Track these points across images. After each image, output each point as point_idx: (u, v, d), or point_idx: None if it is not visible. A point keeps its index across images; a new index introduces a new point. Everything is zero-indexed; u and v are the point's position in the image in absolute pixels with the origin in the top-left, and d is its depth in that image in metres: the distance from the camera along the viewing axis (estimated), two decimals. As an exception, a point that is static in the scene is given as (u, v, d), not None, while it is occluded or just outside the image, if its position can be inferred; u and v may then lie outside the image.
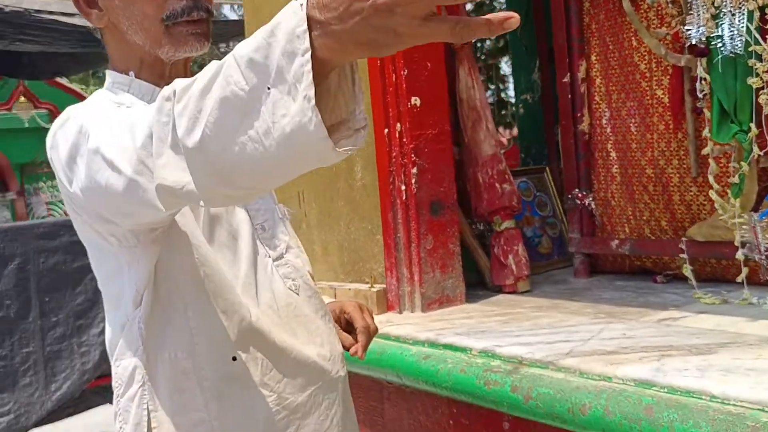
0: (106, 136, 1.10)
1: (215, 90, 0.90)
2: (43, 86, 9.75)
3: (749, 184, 1.94)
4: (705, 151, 1.98)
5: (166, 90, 0.98)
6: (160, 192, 1.00)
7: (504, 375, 1.62)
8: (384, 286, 2.22)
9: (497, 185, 2.34)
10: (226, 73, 0.89)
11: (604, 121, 2.40)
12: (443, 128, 2.18)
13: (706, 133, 1.98)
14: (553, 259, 2.70)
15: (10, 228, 4.57)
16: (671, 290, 2.15)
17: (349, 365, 1.52)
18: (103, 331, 4.47)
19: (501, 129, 9.03)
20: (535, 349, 1.67)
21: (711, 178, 1.95)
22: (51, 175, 10.91)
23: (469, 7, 3.11)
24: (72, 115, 1.23)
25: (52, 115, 10.04)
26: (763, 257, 1.90)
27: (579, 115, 2.43)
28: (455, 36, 0.77)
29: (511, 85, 8.71)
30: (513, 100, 7.66)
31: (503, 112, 9.21)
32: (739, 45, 1.84)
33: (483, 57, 8.55)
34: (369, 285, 2.25)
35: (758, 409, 1.24)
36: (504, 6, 4.22)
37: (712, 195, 1.95)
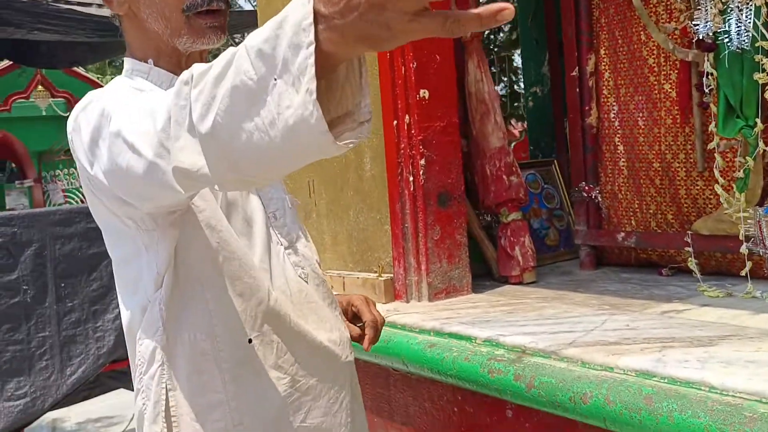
0: (127, 119, 1.13)
1: (227, 78, 0.93)
2: (60, 75, 9.83)
3: (754, 178, 1.96)
4: (711, 145, 1.99)
5: (185, 74, 1.01)
6: (176, 174, 1.03)
7: (507, 364, 1.65)
8: (391, 275, 2.25)
9: (504, 177, 2.36)
10: (238, 62, 0.92)
11: (612, 115, 2.42)
12: (451, 120, 2.21)
13: (712, 127, 1.99)
14: (559, 251, 2.73)
15: (27, 214, 4.64)
16: (676, 283, 2.17)
17: (356, 352, 1.56)
18: (118, 317, 4.53)
19: (513, 121, 9.00)
20: (539, 339, 1.69)
21: (716, 173, 1.97)
22: (68, 163, 11.01)
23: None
24: (94, 99, 1.27)
25: (69, 104, 10.13)
26: (767, 252, 1.92)
27: (587, 108, 2.45)
28: (446, 31, 0.79)
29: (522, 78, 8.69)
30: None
31: (516, 104, 9.19)
32: (746, 40, 1.85)
33: (496, 49, 8.52)
34: (377, 274, 2.28)
35: (756, 400, 1.26)
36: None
37: (718, 189, 1.96)
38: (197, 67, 1.00)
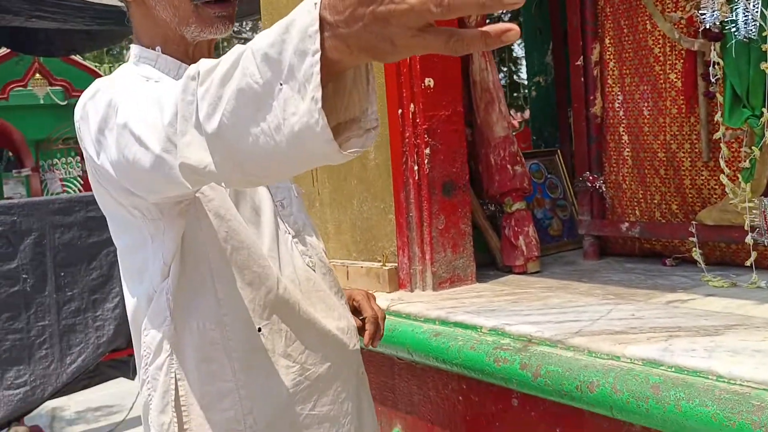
0: (134, 110, 1.12)
1: (234, 80, 0.92)
2: (58, 63, 9.78)
3: (760, 168, 1.96)
4: (717, 135, 1.99)
5: (192, 69, 1.01)
6: (183, 170, 1.03)
7: (513, 353, 1.65)
8: (396, 264, 2.25)
9: (509, 167, 2.36)
10: (244, 64, 0.91)
11: (616, 105, 2.42)
12: (456, 109, 2.20)
13: (718, 117, 1.99)
14: (562, 241, 2.73)
15: (26, 203, 4.63)
16: (680, 273, 2.17)
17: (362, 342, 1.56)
18: (117, 306, 4.50)
19: (512, 111, 9.00)
20: (545, 328, 1.70)
21: (722, 163, 1.97)
22: (65, 152, 10.98)
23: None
24: (102, 88, 1.26)
25: (67, 92, 10.09)
26: (773, 241, 1.92)
27: (591, 98, 2.45)
28: (449, 49, 0.78)
29: (523, 68, 8.67)
30: (526, 83, 7.65)
31: (515, 94, 9.17)
32: (753, 30, 1.84)
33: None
34: (381, 263, 2.28)
35: (763, 389, 1.26)
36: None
37: (723, 179, 1.96)
38: (204, 63, 0.99)
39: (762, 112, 1.84)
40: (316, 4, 0.83)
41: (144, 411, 1.43)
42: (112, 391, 5.47)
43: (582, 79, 2.45)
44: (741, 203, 1.94)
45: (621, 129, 2.40)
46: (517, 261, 2.35)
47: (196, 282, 1.34)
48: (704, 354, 1.42)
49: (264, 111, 0.90)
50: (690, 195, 2.24)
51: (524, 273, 2.35)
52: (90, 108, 1.25)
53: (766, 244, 1.93)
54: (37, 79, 9.91)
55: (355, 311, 1.62)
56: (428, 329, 1.90)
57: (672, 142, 2.26)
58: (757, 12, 1.84)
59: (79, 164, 11.06)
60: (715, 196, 2.18)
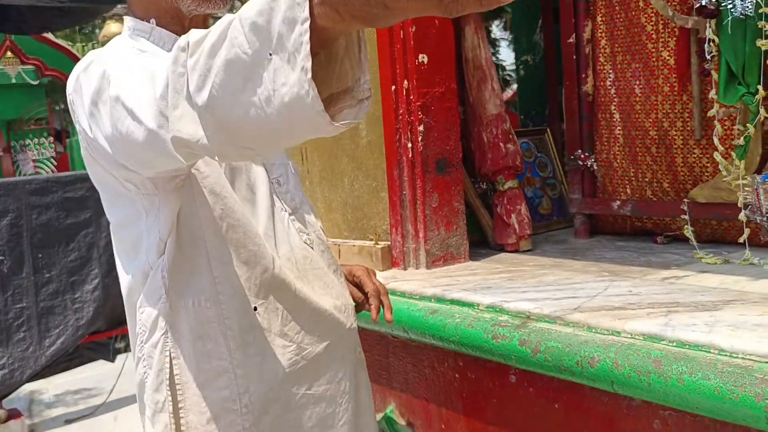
0: (127, 83, 1.10)
1: (222, 51, 0.90)
2: (30, 42, 9.58)
3: (753, 146, 1.96)
4: (711, 113, 1.99)
5: (182, 40, 0.98)
6: (176, 143, 1.01)
7: (512, 329, 1.65)
8: (388, 243, 2.24)
9: (501, 145, 2.35)
10: (232, 34, 0.89)
11: (608, 83, 2.41)
12: (450, 86, 2.18)
13: (711, 95, 1.99)
14: (552, 220, 2.73)
15: (1, 183, 4.55)
16: (672, 251, 2.18)
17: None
18: (97, 288, 4.46)
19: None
20: (543, 305, 1.69)
21: (716, 140, 1.97)
22: (38, 133, 10.79)
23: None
24: (95, 60, 1.23)
25: (40, 71, 9.89)
26: (764, 219, 1.93)
27: (583, 76, 2.44)
28: (444, 10, 0.77)
29: (502, 48, 8.67)
30: (504, 63, 7.64)
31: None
32: (750, 6, 1.84)
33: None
34: (373, 242, 2.26)
35: (766, 362, 1.28)
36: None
37: (717, 157, 1.97)
38: (194, 34, 0.97)
39: (757, 90, 1.85)
40: None
41: (139, 389, 1.41)
42: (91, 374, 5.42)
43: (574, 56, 2.44)
44: (734, 180, 1.95)
45: (612, 107, 2.40)
46: (510, 239, 2.34)
47: (191, 260, 1.32)
48: (705, 329, 1.43)
49: (254, 82, 0.88)
50: (682, 173, 2.24)
51: (516, 251, 2.35)
52: (83, 80, 1.22)
53: (758, 221, 1.94)
54: (9, 57, 9.71)
55: (357, 287, 1.61)
56: (424, 307, 1.89)
57: (664, 120, 2.26)
58: (753, -11, 1.84)
59: (52, 145, 10.89)
60: (706, 174, 2.19)
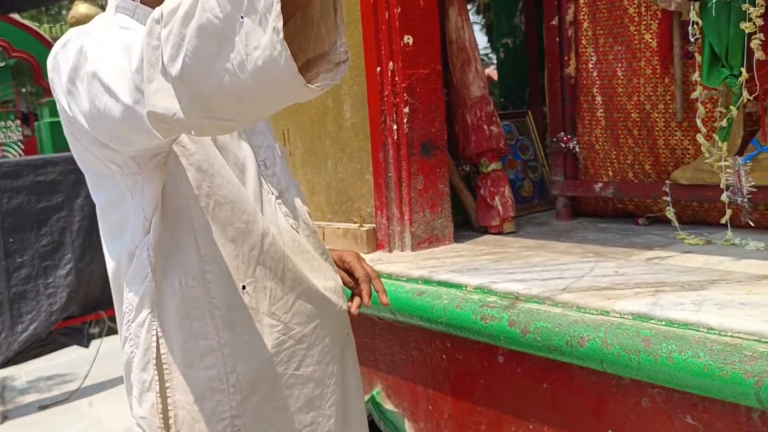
0: (104, 58, 1.08)
1: (195, 17, 0.89)
2: (-5, 22, 9.38)
3: (735, 128, 1.99)
4: (694, 95, 2.01)
5: (156, 11, 0.96)
6: (152, 118, 0.99)
7: (501, 310, 1.66)
8: (373, 225, 2.23)
9: (485, 127, 2.35)
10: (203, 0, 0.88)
11: (590, 65, 2.42)
12: (435, 68, 2.17)
13: (694, 77, 2.01)
14: (534, 202, 2.75)
15: (-30, 168, 4.46)
16: (654, 232, 2.21)
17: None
18: (70, 273, 4.39)
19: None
20: (531, 286, 1.70)
21: (699, 122, 1.99)
22: (4, 116, 10.57)
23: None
24: (73, 37, 1.21)
25: (6, 53, 9.68)
26: (745, 200, 1.96)
27: (566, 58, 2.45)
28: None
29: (476, 33, 8.66)
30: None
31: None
32: (734, -11, 1.86)
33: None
34: (358, 224, 2.26)
35: (755, 340, 1.30)
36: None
37: (699, 138, 1.99)
38: (168, 4, 0.95)
39: (740, 72, 1.87)
40: None
41: (126, 369, 1.39)
42: (65, 360, 5.36)
43: (557, 39, 2.45)
44: (716, 162, 1.97)
45: (595, 90, 2.41)
46: (493, 221, 2.35)
47: (178, 238, 1.31)
48: (693, 307, 1.44)
49: (227, 48, 0.87)
50: (663, 155, 2.27)
51: (500, 233, 2.36)
52: (61, 57, 1.19)
53: (738, 202, 1.97)
54: (-26, 39, 9.49)
55: (347, 272, 1.60)
56: (411, 289, 1.89)
57: (646, 102, 2.28)
58: (737, -29, 1.85)
59: (19, 128, 10.68)
60: (688, 156, 2.21)
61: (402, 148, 2.13)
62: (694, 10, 1.96)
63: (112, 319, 4.90)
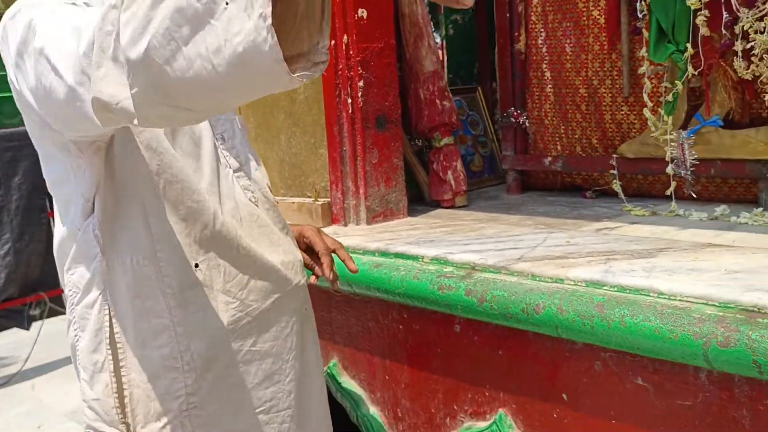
0: (52, 35, 1.05)
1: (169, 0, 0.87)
2: None
3: (680, 103, 2.06)
4: (641, 70, 2.07)
5: None
6: (95, 105, 0.97)
7: (458, 280, 1.69)
8: (328, 199, 2.24)
9: (438, 101, 2.37)
10: None
11: (540, 41, 2.46)
12: (389, 42, 2.18)
13: (642, 52, 2.06)
14: (483, 177, 2.79)
15: None
16: (601, 204, 2.28)
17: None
18: (8, 254, 4.27)
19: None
20: (486, 256, 1.74)
21: (645, 97, 2.05)
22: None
23: None
24: (23, 8, 1.17)
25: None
26: (689, 172, 2.03)
27: (516, 34, 2.48)
28: None
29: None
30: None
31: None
32: (680, -34, 1.91)
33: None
34: (313, 199, 2.26)
35: (703, 303, 1.35)
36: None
37: (646, 113, 2.05)
38: None
39: (686, 48, 1.93)
40: None
41: (72, 353, 1.38)
42: (5, 342, 5.22)
43: (507, 15, 2.48)
44: (662, 136, 2.04)
45: (544, 65, 2.46)
46: (446, 195, 2.38)
47: (128, 217, 1.29)
48: (643, 274, 1.50)
49: (203, 32, 0.85)
50: (610, 129, 2.33)
51: (452, 207, 2.40)
52: (9, 29, 1.16)
53: (683, 174, 2.04)
54: None
55: (308, 248, 1.61)
56: (368, 261, 1.91)
57: (594, 78, 2.34)
58: (683, -51, 1.91)
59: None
60: (634, 130, 2.28)
61: (356, 122, 2.14)
62: (641, -14, 2.01)
63: (54, 300, 4.80)
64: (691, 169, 2.02)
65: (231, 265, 1.37)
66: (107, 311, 1.31)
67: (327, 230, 2.16)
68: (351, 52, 2.11)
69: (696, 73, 1.93)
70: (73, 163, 1.24)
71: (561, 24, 2.40)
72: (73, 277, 1.32)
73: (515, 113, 2.49)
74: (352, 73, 2.12)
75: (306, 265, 1.58)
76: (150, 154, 1.27)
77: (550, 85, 2.45)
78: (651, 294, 1.43)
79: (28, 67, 1.09)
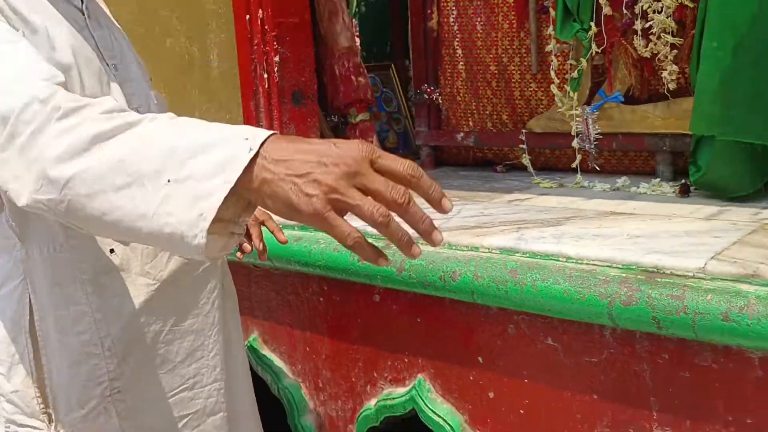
0: None
1: (119, 143, 0.88)
2: None
3: (584, 79, 2.16)
4: (548, 48, 2.16)
5: (44, 91, 0.95)
6: None
7: (377, 251, 1.73)
8: (245, 175, 2.23)
9: (353, 78, 2.40)
10: (143, 135, 0.88)
11: (451, 19, 2.52)
12: (304, 17, 2.19)
13: (549, 31, 2.15)
14: (398, 153, 2.81)
15: None
16: (511, 178, 2.36)
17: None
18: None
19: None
20: (405, 227, 1.78)
21: (552, 74, 2.14)
22: None
23: None
24: None
25: None
26: (593, 146, 2.14)
27: (429, 12, 2.53)
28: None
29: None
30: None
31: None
32: (585, -53, 2.00)
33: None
34: (229, 174, 2.25)
35: (607, 266, 1.44)
36: None
37: (553, 89, 2.14)
38: (64, 96, 0.93)
39: (590, 26, 2.02)
40: (251, 149, 0.82)
41: None
42: None
43: (420, -7, 2.52)
44: (567, 111, 2.13)
45: (456, 43, 2.52)
46: (362, 170, 2.41)
47: None
48: (553, 240, 1.58)
49: (136, 192, 0.86)
50: (519, 106, 2.41)
51: (369, 182, 2.43)
52: None
53: (587, 148, 2.15)
54: None
55: None
56: (289, 235, 1.91)
57: (503, 55, 2.41)
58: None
59: None
60: (541, 106, 2.37)
61: (273, 97, 2.14)
62: (548, -33, 2.09)
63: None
64: (595, 143, 2.13)
65: (148, 247, 1.37)
66: (27, 300, 1.29)
67: (245, 206, 2.16)
68: (266, 27, 2.11)
69: (599, 51, 2.03)
70: None
71: (472, 2, 2.46)
72: None
73: (428, 90, 2.55)
74: (267, 48, 2.12)
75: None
76: None
77: (461, 63, 2.52)
78: (560, 259, 1.51)
79: None
